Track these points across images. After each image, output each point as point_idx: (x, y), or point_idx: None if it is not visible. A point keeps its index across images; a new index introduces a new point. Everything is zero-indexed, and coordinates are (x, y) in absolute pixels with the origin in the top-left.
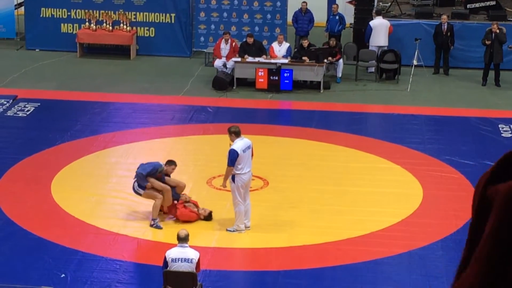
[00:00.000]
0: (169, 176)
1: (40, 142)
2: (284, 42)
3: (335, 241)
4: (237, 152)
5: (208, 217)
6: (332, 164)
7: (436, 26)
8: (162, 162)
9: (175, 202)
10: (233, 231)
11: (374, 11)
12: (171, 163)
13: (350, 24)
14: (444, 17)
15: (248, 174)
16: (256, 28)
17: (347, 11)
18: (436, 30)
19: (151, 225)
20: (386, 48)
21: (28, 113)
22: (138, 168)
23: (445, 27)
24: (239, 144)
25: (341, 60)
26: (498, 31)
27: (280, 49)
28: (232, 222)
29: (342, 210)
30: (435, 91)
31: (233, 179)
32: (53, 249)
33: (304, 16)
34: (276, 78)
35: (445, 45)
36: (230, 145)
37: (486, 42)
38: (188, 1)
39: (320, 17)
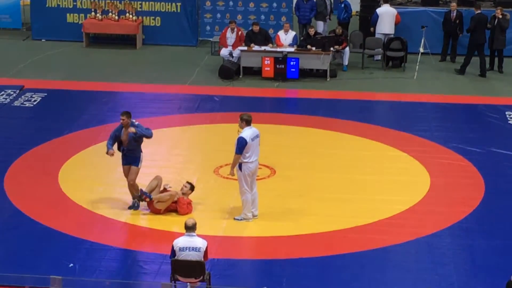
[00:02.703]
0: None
1: (47, 132)
2: (290, 30)
3: (342, 229)
4: (245, 140)
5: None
6: (339, 152)
7: (445, 13)
8: (168, 152)
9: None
10: (241, 219)
11: None
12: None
13: (356, 12)
14: (454, 4)
15: (255, 163)
16: (262, 17)
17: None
18: (445, 17)
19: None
20: (392, 36)
21: (35, 103)
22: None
23: (454, 14)
24: (247, 133)
25: (347, 48)
26: (501, 16)
27: (286, 37)
28: (240, 210)
29: (349, 198)
30: (441, 79)
31: (240, 167)
32: (61, 238)
33: (306, 4)
34: (283, 66)
35: (454, 32)
36: (239, 132)
37: (488, 26)
38: None
39: None
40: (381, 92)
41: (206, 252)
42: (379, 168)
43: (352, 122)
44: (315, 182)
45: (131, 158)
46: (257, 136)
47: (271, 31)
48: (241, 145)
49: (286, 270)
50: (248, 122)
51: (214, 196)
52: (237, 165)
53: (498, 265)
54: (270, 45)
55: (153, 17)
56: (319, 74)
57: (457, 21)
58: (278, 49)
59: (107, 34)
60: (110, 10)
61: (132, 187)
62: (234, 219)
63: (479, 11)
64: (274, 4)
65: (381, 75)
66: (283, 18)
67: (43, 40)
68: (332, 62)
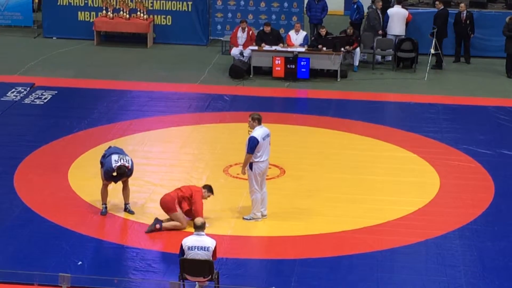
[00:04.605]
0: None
1: (58, 129)
2: (301, 30)
3: (351, 229)
4: (257, 140)
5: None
6: (349, 152)
7: (455, 15)
8: (177, 149)
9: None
10: (250, 219)
11: None
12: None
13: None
14: (463, 5)
15: (266, 162)
16: (273, 17)
17: (365, 0)
18: (455, 18)
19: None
20: (403, 37)
21: (45, 100)
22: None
23: (464, 15)
24: (259, 132)
25: (358, 49)
26: None
27: (297, 37)
28: (249, 210)
29: (358, 199)
30: (452, 80)
31: (250, 167)
32: (70, 236)
33: (317, 4)
34: (293, 66)
35: (465, 33)
36: (249, 132)
37: (506, 32)
38: None
39: (337, 5)
40: (391, 93)
41: (215, 251)
42: (388, 169)
43: (362, 122)
44: (325, 182)
45: None
46: (268, 135)
47: (282, 31)
48: (253, 144)
49: (295, 270)
50: (259, 121)
51: (223, 196)
52: (248, 165)
53: (507, 267)
54: (281, 45)
55: (164, 16)
56: (329, 74)
57: (468, 22)
58: (289, 49)
59: (118, 33)
60: (121, 9)
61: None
62: (243, 218)
63: (442, 7)
64: (285, 4)
65: (391, 76)
66: (294, 18)
67: (54, 38)
68: (343, 62)
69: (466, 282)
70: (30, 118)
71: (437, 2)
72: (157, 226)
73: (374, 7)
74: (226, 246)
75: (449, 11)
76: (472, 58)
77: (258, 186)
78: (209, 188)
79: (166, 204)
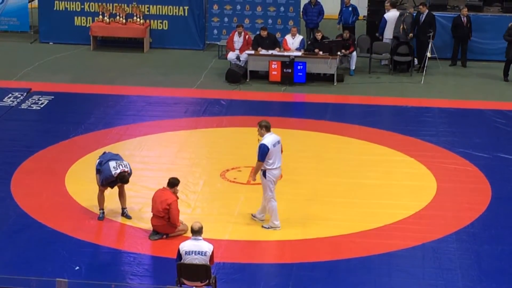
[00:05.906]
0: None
1: (54, 135)
2: (297, 34)
3: (349, 233)
4: (267, 147)
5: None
6: (346, 156)
7: (454, 18)
8: (175, 153)
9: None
10: (268, 228)
11: (389, 3)
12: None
13: (364, 16)
14: (465, 9)
15: (278, 170)
16: (270, 21)
17: (360, 3)
18: (455, 22)
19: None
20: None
21: (42, 106)
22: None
23: (465, 19)
24: (269, 139)
25: (354, 53)
26: None
27: (293, 41)
28: (246, 214)
29: (355, 203)
30: (449, 84)
31: (264, 174)
32: (67, 241)
33: (313, 8)
34: (290, 70)
35: (465, 37)
36: (259, 140)
37: (507, 37)
38: None
39: (333, 9)
40: (388, 97)
41: (212, 256)
42: (385, 172)
43: (359, 126)
44: (322, 186)
45: None
46: (278, 142)
47: (278, 35)
48: (263, 151)
49: (292, 274)
50: (267, 128)
51: (220, 200)
52: (261, 173)
53: (504, 270)
54: (277, 49)
55: (161, 21)
56: (326, 78)
57: (468, 25)
58: (285, 53)
59: (115, 38)
60: (117, 14)
61: (122, 194)
62: (262, 227)
63: (427, 11)
64: (282, 8)
65: (388, 79)
66: (291, 22)
67: (50, 43)
68: (339, 66)
69: (464, 286)
70: (26, 123)
71: (420, 6)
72: (164, 236)
73: (408, 12)
74: (223, 251)
75: (444, 15)
76: (468, 62)
77: (274, 193)
78: (171, 183)
79: (167, 230)
